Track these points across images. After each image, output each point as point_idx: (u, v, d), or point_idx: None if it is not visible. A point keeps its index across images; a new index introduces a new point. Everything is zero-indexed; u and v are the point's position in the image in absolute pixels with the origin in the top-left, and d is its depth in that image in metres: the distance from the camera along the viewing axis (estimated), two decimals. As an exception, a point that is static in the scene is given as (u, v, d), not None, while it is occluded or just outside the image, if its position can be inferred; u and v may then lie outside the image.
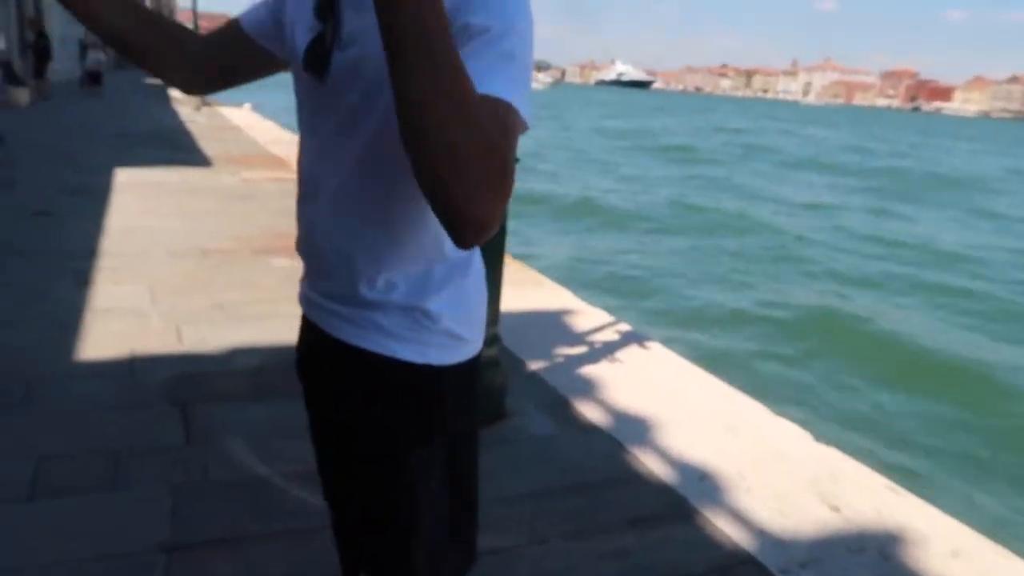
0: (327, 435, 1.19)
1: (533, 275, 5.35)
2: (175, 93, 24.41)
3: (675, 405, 3.29)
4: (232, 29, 1.12)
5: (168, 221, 6.22)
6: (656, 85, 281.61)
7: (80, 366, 3.27)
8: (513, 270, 5.26)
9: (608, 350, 3.94)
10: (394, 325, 1.02)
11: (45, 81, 17.91)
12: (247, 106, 21.09)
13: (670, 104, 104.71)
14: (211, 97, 22.98)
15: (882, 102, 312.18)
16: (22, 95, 8.34)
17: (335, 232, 1.02)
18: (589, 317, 4.44)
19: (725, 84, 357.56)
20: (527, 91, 0.84)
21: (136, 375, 3.22)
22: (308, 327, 1.15)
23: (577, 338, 4.09)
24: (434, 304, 1.03)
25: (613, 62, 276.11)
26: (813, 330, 8.34)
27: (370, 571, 1.18)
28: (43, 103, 16.69)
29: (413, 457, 1.07)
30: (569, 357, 3.81)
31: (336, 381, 1.10)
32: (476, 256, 1.09)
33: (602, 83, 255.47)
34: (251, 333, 3.75)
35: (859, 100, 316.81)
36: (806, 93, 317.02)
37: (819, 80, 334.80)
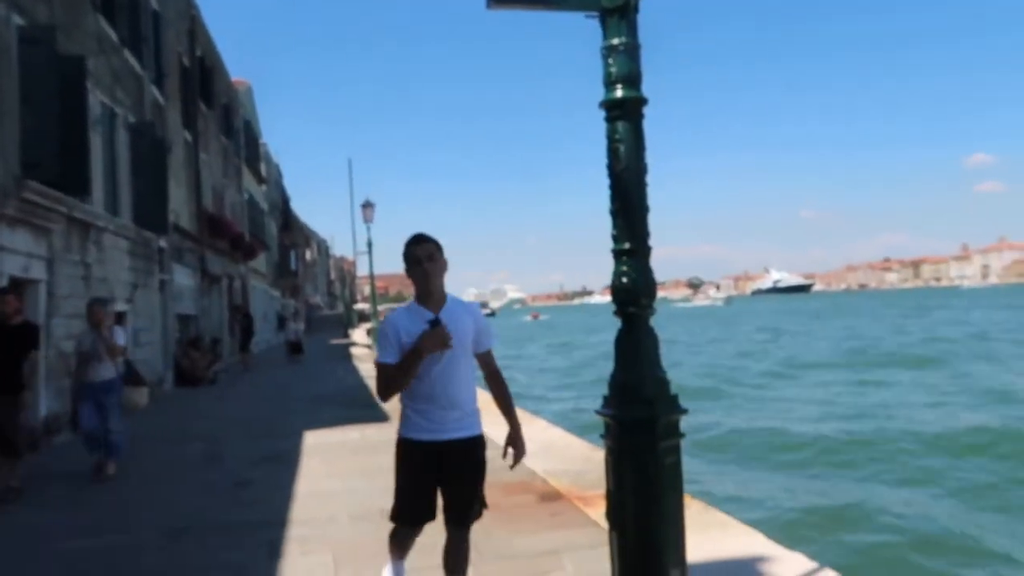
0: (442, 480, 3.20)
1: (718, 516, 4.99)
2: (355, 351, 26.69)
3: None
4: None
5: (350, 482, 6.48)
6: (816, 287, 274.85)
7: (271, 650, 3.29)
8: (695, 511, 4.95)
9: (816, 605, 3.49)
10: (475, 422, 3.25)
11: (249, 354, 20.27)
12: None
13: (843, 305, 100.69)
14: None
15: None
16: (140, 396, 7.66)
17: (452, 392, 3.14)
18: (788, 565, 4.01)
19: (891, 277, 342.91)
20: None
21: (322, 658, 3.19)
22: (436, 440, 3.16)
23: (777, 591, 3.67)
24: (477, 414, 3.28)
25: (767, 271, 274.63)
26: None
27: (457, 522, 3.22)
28: (248, 374, 18.76)
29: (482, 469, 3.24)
30: (772, 616, 3.40)
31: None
32: None
33: (759, 292, 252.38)
34: (431, 603, 3.68)
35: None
36: (985, 276, 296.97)
37: (997, 261, 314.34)
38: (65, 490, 6.85)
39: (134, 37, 13.67)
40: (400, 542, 3.45)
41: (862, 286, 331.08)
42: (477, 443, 3.20)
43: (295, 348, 22.68)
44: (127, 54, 13.23)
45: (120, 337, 7.29)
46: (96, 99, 11.18)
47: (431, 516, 3.23)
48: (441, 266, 3.19)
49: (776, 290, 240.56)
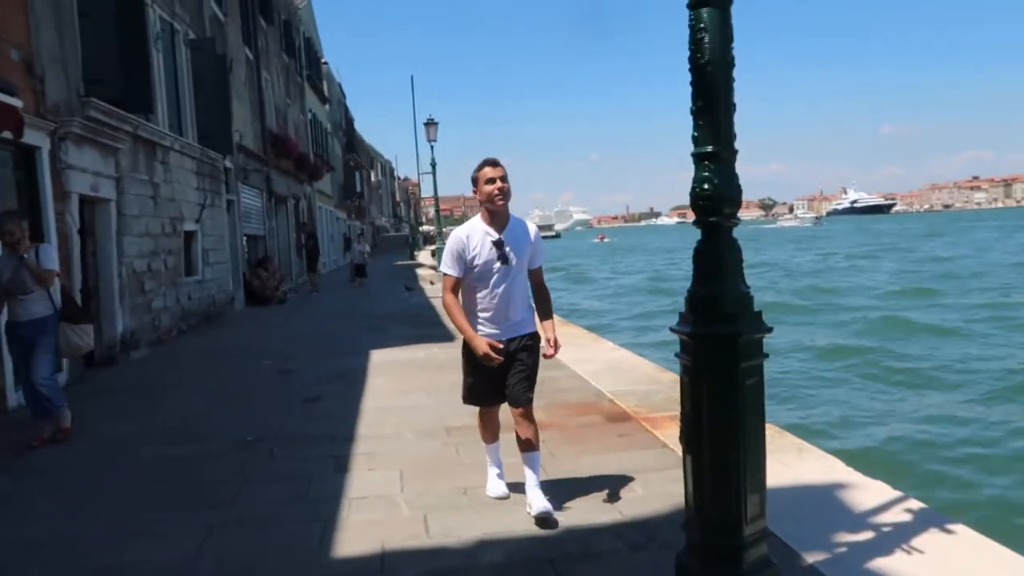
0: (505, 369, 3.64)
1: (792, 440, 4.77)
2: (421, 272, 26.91)
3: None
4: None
5: (416, 399, 6.49)
6: (896, 208, 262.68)
7: (334, 565, 3.29)
8: (768, 436, 4.74)
9: (901, 536, 3.28)
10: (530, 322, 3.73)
11: (316, 274, 20.57)
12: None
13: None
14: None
15: None
16: (83, 336, 5.71)
17: (514, 306, 3.62)
18: (869, 492, 3.78)
19: (979, 197, 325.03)
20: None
21: (386, 572, 3.17)
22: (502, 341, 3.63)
23: (859, 520, 3.46)
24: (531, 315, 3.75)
25: (844, 191, 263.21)
26: None
27: (516, 400, 3.66)
28: (315, 294, 19.11)
29: (536, 359, 3.73)
30: (853, 545, 3.21)
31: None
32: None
33: (834, 213, 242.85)
34: (494, 522, 3.63)
35: None
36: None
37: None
38: (138, 402, 7.08)
39: (191, -49, 13.44)
40: (485, 424, 3.91)
41: (947, 206, 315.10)
42: (531, 338, 3.71)
43: (359, 271, 21.65)
44: (185, -32, 13.04)
45: (49, 259, 5.59)
46: (155, 14, 11.09)
47: (495, 399, 3.78)
48: (510, 190, 3.56)
49: (854, 211, 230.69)
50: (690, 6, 2.65)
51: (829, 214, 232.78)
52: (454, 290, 3.66)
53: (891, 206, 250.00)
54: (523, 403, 3.67)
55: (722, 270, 2.56)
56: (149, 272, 10.32)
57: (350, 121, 46.53)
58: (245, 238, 17.21)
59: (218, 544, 3.56)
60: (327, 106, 35.34)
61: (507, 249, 3.54)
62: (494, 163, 3.57)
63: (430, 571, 3.14)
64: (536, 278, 3.78)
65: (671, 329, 2.70)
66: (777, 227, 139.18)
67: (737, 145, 2.62)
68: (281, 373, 8.17)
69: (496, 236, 3.55)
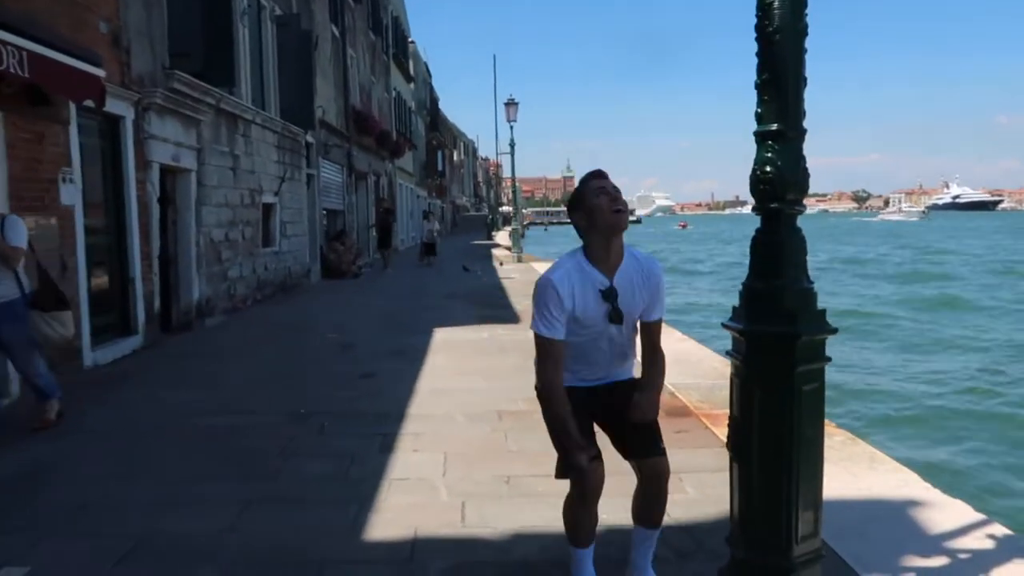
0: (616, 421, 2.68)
1: (865, 448, 4.43)
2: (496, 252, 26.90)
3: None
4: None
5: (471, 381, 6.39)
6: (1003, 205, 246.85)
7: (363, 548, 3.22)
8: (838, 442, 4.44)
9: (980, 564, 2.96)
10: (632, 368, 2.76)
11: (390, 251, 20.76)
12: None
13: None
14: (526, 252, 24.96)
15: None
16: (60, 326, 5.02)
17: (615, 360, 2.71)
18: (947, 513, 3.45)
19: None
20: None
21: (415, 561, 3.07)
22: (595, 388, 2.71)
23: (934, 543, 3.15)
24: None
25: (947, 185, 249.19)
26: None
27: (642, 453, 2.64)
28: (389, 270, 19.32)
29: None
30: (924, 572, 2.92)
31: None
32: None
33: (934, 208, 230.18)
34: (534, 515, 3.47)
35: None
36: None
37: None
38: (202, 369, 7.24)
39: (280, -72, 13.61)
40: (579, 516, 2.65)
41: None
42: (632, 384, 2.75)
43: (428, 249, 20.78)
44: (272, -55, 13.22)
45: (16, 234, 4.70)
46: (242, -10, 11.28)
47: (596, 452, 2.56)
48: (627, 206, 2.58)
49: (955, 206, 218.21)
50: (759, -33, 2.39)
51: (928, 208, 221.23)
52: (557, 362, 2.54)
53: (997, 203, 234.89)
54: (658, 454, 2.65)
55: (782, 263, 2.31)
56: (227, 242, 10.58)
57: (434, 100, 46.84)
58: (324, 212, 17.50)
59: (253, 518, 3.54)
60: (412, 85, 35.62)
61: (619, 302, 2.53)
62: (601, 173, 2.61)
63: (459, 565, 3.02)
64: (650, 337, 2.68)
65: (723, 325, 2.47)
66: (879, 221, 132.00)
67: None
68: (343, 348, 8.22)
69: (606, 283, 2.52)
